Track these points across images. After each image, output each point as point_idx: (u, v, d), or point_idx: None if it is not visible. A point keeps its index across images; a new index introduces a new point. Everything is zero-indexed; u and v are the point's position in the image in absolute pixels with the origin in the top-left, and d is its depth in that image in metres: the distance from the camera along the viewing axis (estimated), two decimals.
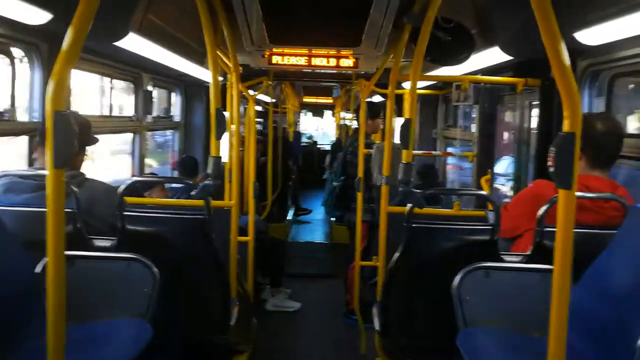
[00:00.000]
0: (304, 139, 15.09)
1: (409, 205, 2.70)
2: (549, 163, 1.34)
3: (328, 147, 14.98)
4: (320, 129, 18.61)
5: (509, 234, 2.84)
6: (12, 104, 2.96)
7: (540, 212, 2.48)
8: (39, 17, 2.49)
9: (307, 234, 9.19)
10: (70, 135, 1.37)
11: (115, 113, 4.56)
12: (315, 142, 16.47)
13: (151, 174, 5.21)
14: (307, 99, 12.66)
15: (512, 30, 3.04)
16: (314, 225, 9.95)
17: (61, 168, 1.38)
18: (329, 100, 12.61)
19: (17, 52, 3.00)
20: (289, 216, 9.29)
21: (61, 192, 1.40)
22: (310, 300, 5.85)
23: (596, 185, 2.54)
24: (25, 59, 3.06)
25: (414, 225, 2.71)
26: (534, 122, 3.96)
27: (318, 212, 10.89)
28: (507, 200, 4.14)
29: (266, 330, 4.82)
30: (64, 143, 1.37)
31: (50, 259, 1.41)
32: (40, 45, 3.03)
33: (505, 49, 3.20)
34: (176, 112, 6.21)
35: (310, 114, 17.18)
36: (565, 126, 1.28)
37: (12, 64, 2.96)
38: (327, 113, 16.99)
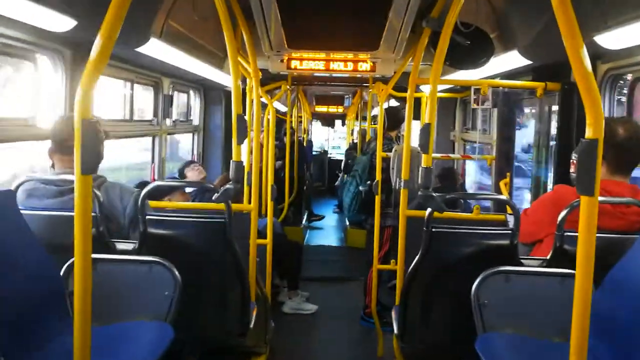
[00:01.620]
0: (315, 149, 15.21)
1: (429, 209, 2.70)
2: (572, 169, 1.35)
3: (339, 157, 15.12)
4: (330, 139, 18.71)
5: (528, 239, 2.83)
6: (37, 109, 3.01)
7: (560, 217, 2.47)
8: (64, 24, 2.53)
9: (322, 238, 9.21)
10: (97, 142, 1.41)
11: (135, 115, 4.61)
12: (325, 152, 16.57)
13: (171, 177, 5.26)
14: (318, 108, 12.73)
15: (531, 35, 3.03)
16: (328, 231, 9.97)
17: (89, 174, 1.41)
18: (340, 110, 12.67)
19: (41, 57, 3.05)
20: (304, 221, 9.32)
21: (88, 198, 1.43)
22: (326, 303, 5.85)
23: (617, 190, 2.52)
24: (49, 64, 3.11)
25: (433, 229, 2.71)
26: (554, 126, 3.94)
27: (330, 219, 10.91)
28: (526, 204, 4.11)
29: (283, 332, 4.83)
30: (91, 150, 1.40)
31: (78, 262, 1.44)
32: (64, 51, 3.08)
33: (524, 53, 3.19)
34: (195, 115, 6.26)
35: (319, 123, 17.24)
36: (588, 132, 1.28)
37: (37, 70, 3.01)
38: (338, 123, 17.10)
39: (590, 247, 1.32)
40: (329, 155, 16.21)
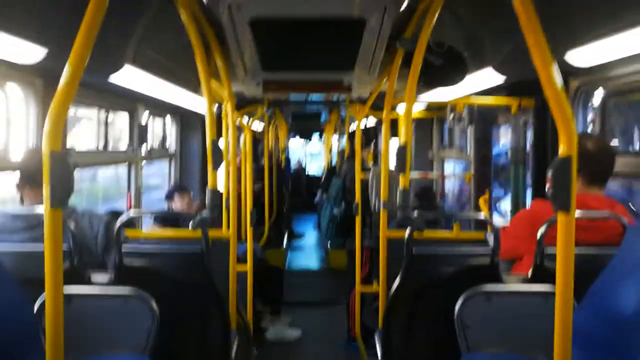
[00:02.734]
0: (292, 164, 15.25)
1: (408, 230, 2.69)
2: (547, 186, 1.35)
3: (317, 173, 15.14)
4: (308, 154, 18.73)
5: (509, 256, 2.83)
6: (6, 141, 2.95)
7: (539, 234, 2.47)
8: (34, 53, 2.50)
9: (304, 260, 9.16)
10: (67, 175, 1.37)
11: (112, 140, 4.56)
12: (304, 168, 16.61)
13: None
14: (295, 124, 12.76)
15: (503, 52, 3.07)
16: (309, 251, 9.93)
17: (58, 208, 1.37)
18: (317, 124, 12.72)
19: (11, 86, 3.00)
20: (285, 242, 9.28)
21: (58, 232, 1.39)
22: (310, 327, 5.80)
23: (594, 204, 2.54)
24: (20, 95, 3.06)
25: (413, 251, 2.70)
26: (529, 141, 3.98)
27: (311, 237, 10.89)
28: (506, 221, 4.13)
29: (267, 359, 4.77)
30: (61, 183, 1.36)
31: (49, 299, 1.39)
32: (35, 80, 3.04)
33: (498, 70, 3.22)
34: (172, 141, 6.21)
35: (297, 136, 17.28)
36: (562, 150, 1.28)
37: (7, 101, 2.96)
38: (315, 136, 17.15)
39: (569, 263, 1.32)
40: (307, 172, 16.25)
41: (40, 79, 3.06)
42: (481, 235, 3.15)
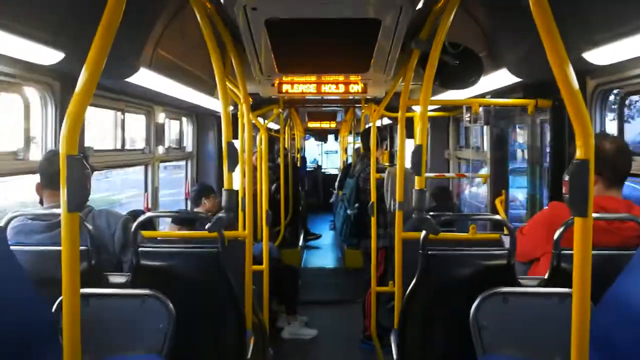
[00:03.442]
0: (308, 164, 15.20)
1: (423, 232, 2.68)
2: (564, 190, 1.33)
3: (333, 172, 15.05)
4: (323, 153, 18.66)
5: (525, 258, 2.81)
6: (27, 143, 2.99)
7: (556, 236, 2.45)
8: (52, 57, 2.53)
9: (320, 259, 9.16)
10: (84, 178, 1.38)
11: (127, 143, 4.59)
12: (320, 167, 16.53)
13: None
14: (311, 124, 12.74)
15: (520, 52, 3.04)
16: (325, 251, 9.92)
17: (75, 212, 1.38)
18: (333, 125, 12.68)
19: (29, 90, 3.04)
20: (301, 241, 9.28)
21: (75, 235, 1.40)
22: (326, 327, 5.80)
23: (612, 205, 2.51)
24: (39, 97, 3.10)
25: (429, 252, 2.69)
26: (547, 140, 3.94)
27: (327, 237, 10.87)
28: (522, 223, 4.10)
29: (282, 359, 4.77)
30: (78, 187, 1.37)
31: (66, 301, 1.41)
32: (53, 84, 3.07)
33: (513, 71, 3.20)
34: (188, 142, 6.25)
35: (313, 138, 17.22)
36: (579, 153, 1.27)
37: (26, 103, 2.99)
38: (331, 137, 17.08)
39: (586, 266, 1.31)
40: (322, 170, 16.19)
41: (58, 82, 3.09)
42: (496, 236, 3.13)
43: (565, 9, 2.19)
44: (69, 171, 1.36)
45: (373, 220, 4.45)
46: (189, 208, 5.96)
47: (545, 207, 3.48)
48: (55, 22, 2.37)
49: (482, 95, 4.04)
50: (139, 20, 2.86)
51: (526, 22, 2.71)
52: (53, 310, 2.27)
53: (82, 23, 2.41)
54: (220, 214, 2.70)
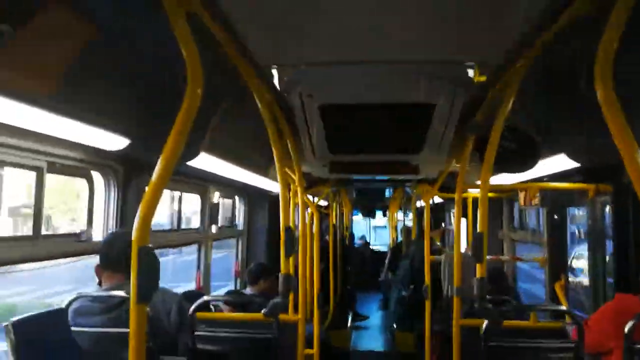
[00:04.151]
0: (356, 240, 15.02)
1: (486, 322, 2.59)
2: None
3: (382, 248, 14.81)
4: (372, 227, 18.44)
5: (592, 351, 2.68)
6: (90, 224, 3.08)
7: (627, 329, 2.33)
8: (118, 143, 2.64)
9: (369, 342, 8.90)
10: (153, 269, 1.39)
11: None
12: (367, 244, 16.28)
13: (234, 291, 5.23)
14: (359, 201, 12.68)
15: (578, 137, 3.00)
16: (374, 332, 9.65)
17: (145, 303, 1.39)
18: (381, 202, 12.59)
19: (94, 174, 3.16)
20: (349, 322, 9.07)
21: (143, 326, 1.41)
22: None
23: None
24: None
25: (491, 343, 2.59)
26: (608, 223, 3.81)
27: (376, 317, 10.60)
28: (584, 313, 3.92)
29: None
30: (148, 278, 1.38)
31: None
32: (117, 167, 3.19)
33: (572, 156, 3.15)
34: (239, 220, 6.32)
35: (360, 214, 17.09)
36: None
37: (91, 186, 3.11)
38: (379, 213, 16.92)
39: None
40: (371, 247, 15.95)
41: (121, 167, 3.21)
42: (558, 324, 3.00)
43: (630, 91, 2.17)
44: (140, 262, 1.37)
45: (427, 303, 4.34)
46: (238, 285, 5.96)
47: (611, 300, 3.34)
48: (121, 110, 2.49)
49: (539, 179, 3.97)
50: (203, 107, 2.97)
51: (583, 105, 2.70)
52: None
53: (146, 110, 2.53)
54: (276, 299, 2.67)
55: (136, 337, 1.39)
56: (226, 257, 6.47)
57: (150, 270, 1.39)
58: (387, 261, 9.85)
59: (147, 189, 1.45)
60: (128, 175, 3.22)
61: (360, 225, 18.00)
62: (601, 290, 3.80)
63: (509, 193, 5.62)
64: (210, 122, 3.15)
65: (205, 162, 3.44)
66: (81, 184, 3.11)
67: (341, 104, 2.88)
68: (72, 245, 2.97)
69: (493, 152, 2.68)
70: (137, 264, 1.38)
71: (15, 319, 2.05)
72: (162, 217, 4.52)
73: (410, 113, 3.13)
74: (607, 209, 3.69)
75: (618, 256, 3.37)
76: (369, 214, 16.90)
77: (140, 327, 1.40)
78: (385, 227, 17.24)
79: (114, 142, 2.64)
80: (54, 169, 2.67)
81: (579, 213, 4.61)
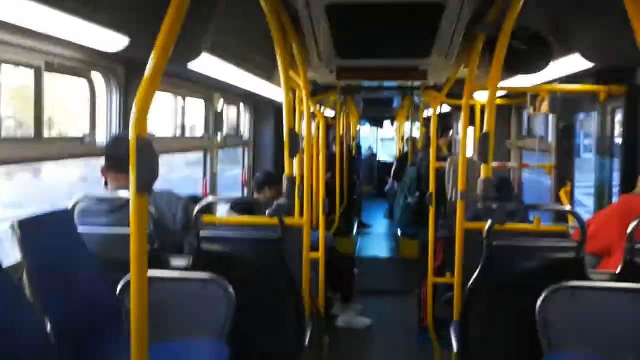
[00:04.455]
0: (363, 151, 15.11)
1: (489, 221, 2.60)
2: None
3: (388, 159, 14.93)
4: (379, 139, 18.51)
5: (595, 251, 2.72)
6: (93, 128, 3.06)
7: (630, 229, 2.34)
8: (117, 42, 2.56)
9: (374, 249, 9.11)
10: (152, 160, 1.39)
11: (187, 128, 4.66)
12: (375, 155, 16.42)
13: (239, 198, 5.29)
14: (367, 110, 12.62)
15: (593, 37, 2.90)
16: (379, 240, 9.85)
17: (144, 192, 1.39)
18: (389, 111, 12.54)
19: (95, 75, 3.10)
20: (355, 230, 9.25)
21: (144, 216, 1.41)
22: (381, 316, 5.76)
23: None
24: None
25: (494, 242, 2.61)
26: (618, 130, 3.76)
27: (381, 226, 10.79)
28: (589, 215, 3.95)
29: (338, 347, 4.77)
30: (146, 168, 1.38)
31: (134, 281, 1.42)
32: (118, 69, 3.13)
33: (586, 56, 3.05)
34: (245, 129, 6.30)
35: (368, 124, 17.09)
36: None
37: (92, 88, 3.06)
38: (387, 123, 16.90)
39: None
40: (378, 159, 16.11)
41: (122, 68, 3.15)
42: (563, 228, 3.03)
43: None
44: (138, 153, 1.37)
45: (431, 210, 4.37)
46: (246, 194, 6.02)
47: (615, 201, 3.34)
48: (121, 8, 2.40)
49: (550, 82, 3.88)
50: (202, 5, 2.87)
51: (600, 2, 2.59)
52: (118, 291, 2.33)
53: (146, 9, 2.44)
54: (280, 201, 2.69)
55: (137, 227, 1.40)
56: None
57: (148, 160, 1.38)
58: (392, 171, 9.90)
59: (142, 82, 1.42)
60: (130, 76, 3.16)
61: (368, 138, 18.02)
62: (606, 195, 3.81)
63: (517, 100, 5.53)
64: (212, 19, 3.05)
65: (207, 64, 3.35)
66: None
67: (348, 3, 2.78)
68: (76, 147, 2.97)
69: (503, 51, 2.61)
70: (135, 154, 1.37)
71: (20, 217, 2.07)
72: (169, 129, 4.50)
73: (419, 14, 3.02)
74: (617, 116, 3.64)
75: (626, 159, 3.35)
76: (377, 124, 16.90)
77: (141, 217, 1.40)
78: (393, 139, 17.25)
79: (114, 41, 2.57)
80: (52, 68, 2.61)
81: (587, 121, 4.54)
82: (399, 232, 8.23)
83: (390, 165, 11.79)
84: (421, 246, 5.51)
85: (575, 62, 3.20)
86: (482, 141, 2.71)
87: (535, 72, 3.34)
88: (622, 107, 3.44)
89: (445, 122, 5.52)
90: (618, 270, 2.45)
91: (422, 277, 4.83)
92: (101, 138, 3.09)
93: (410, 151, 9.37)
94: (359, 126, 13.71)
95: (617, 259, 2.49)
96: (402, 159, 10.07)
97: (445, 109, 8.25)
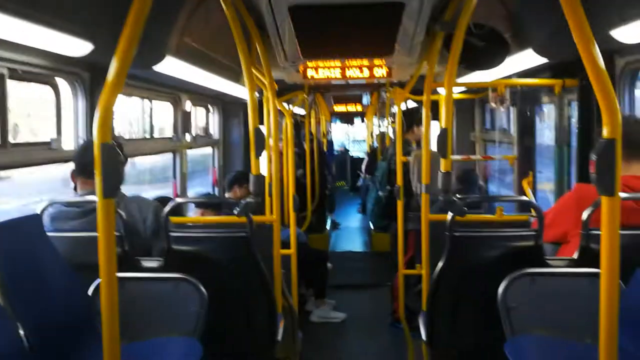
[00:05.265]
0: (335, 147, 15.25)
1: (450, 214, 2.69)
2: (591, 170, 1.33)
3: (360, 155, 15.10)
4: (351, 136, 18.73)
5: (553, 238, 2.80)
6: (58, 133, 3.06)
7: (584, 216, 2.44)
8: (81, 48, 2.58)
9: (347, 243, 9.19)
10: (118, 165, 1.43)
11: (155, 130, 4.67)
12: (347, 150, 16.60)
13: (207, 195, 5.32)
14: (337, 108, 12.76)
15: (545, 33, 3.00)
16: (352, 234, 9.94)
17: (110, 197, 1.43)
18: (359, 108, 12.69)
19: (60, 81, 3.11)
20: (328, 226, 9.32)
21: (111, 220, 1.45)
22: (355, 310, 5.84)
23: (638, 184, 2.49)
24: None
25: (455, 234, 2.69)
26: (574, 121, 3.89)
27: (354, 220, 10.87)
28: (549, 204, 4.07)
29: (312, 342, 4.83)
30: (112, 173, 1.42)
31: (104, 283, 1.46)
32: (83, 74, 3.14)
33: (539, 52, 3.16)
34: (214, 129, 6.31)
35: (339, 121, 17.30)
36: (605, 132, 1.27)
37: (57, 94, 3.06)
38: (357, 120, 17.11)
39: (614, 246, 1.31)
40: (350, 154, 16.27)
41: (87, 73, 3.15)
42: (524, 217, 3.12)
43: None
44: (103, 158, 1.40)
45: (399, 203, 4.46)
46: (217, 194, 6.04)
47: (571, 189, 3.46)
48: (84, 14, 2.42)
49: (508, 77, 4.00)
50: (165, 8, 2.90)
51: (551, 1, 2.69)
52: (89, 293, 2.35)
53: (110, 14, 2.46)
54: (248, 199, 2.74)
55: (105, 230, 1.44)
56: None
57: (113, 165, 1.42)
58: (364, 165, 10.02)
59: (104, 87, 1.45)
60: (95, 81, 3.17)
61: (341, 135, 18.24)
62: (565, 182, 3.94)
63: (480, 94, 5.66)
64: (174, 23, 3.08)
65: (172, 66, 3.38)
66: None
67: (311, 4, 2.83)
68: (42, 153, 2.97)
69: (459, 48, 2.69)
70: (100, 160, 1.41)
71: None
72: (137, 131, 4.51)
73: (380, 13, 3.09)
74: (574, 106, 3.76)
75: (581, 148, 3.47)
76: (348, 121, 17.09)
77: (108, 221, 1.44)
78: (365, 141, 17.51)
79: (78, 47, 2.58)
80: (16, 75, 2.62)
81: (547, 112, 4.67)
82: (371, 226, 8.33)
83: (362, 160, 11.92)
84: (392, 239, 5.59)
85: (530, 58, 3.32)
86: (440, 136, 2.79)
87: (492, 68, 3.44)
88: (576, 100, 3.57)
89: (413, 118, 5.60)
90: (575, 256, 2.54)
91: (394, 269, 4.91)
92: (69, 143, 3.10)
93: (379, 146, 9.48)
94: (329, 124, 13.79)
95: (574, 245, 2.58)
96: (373, 153, 10.18)
97: (413, 104, 8.38)
